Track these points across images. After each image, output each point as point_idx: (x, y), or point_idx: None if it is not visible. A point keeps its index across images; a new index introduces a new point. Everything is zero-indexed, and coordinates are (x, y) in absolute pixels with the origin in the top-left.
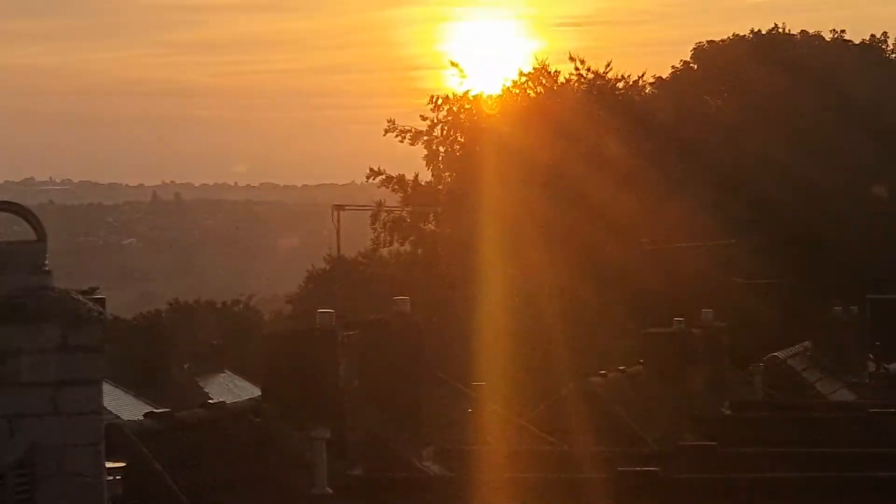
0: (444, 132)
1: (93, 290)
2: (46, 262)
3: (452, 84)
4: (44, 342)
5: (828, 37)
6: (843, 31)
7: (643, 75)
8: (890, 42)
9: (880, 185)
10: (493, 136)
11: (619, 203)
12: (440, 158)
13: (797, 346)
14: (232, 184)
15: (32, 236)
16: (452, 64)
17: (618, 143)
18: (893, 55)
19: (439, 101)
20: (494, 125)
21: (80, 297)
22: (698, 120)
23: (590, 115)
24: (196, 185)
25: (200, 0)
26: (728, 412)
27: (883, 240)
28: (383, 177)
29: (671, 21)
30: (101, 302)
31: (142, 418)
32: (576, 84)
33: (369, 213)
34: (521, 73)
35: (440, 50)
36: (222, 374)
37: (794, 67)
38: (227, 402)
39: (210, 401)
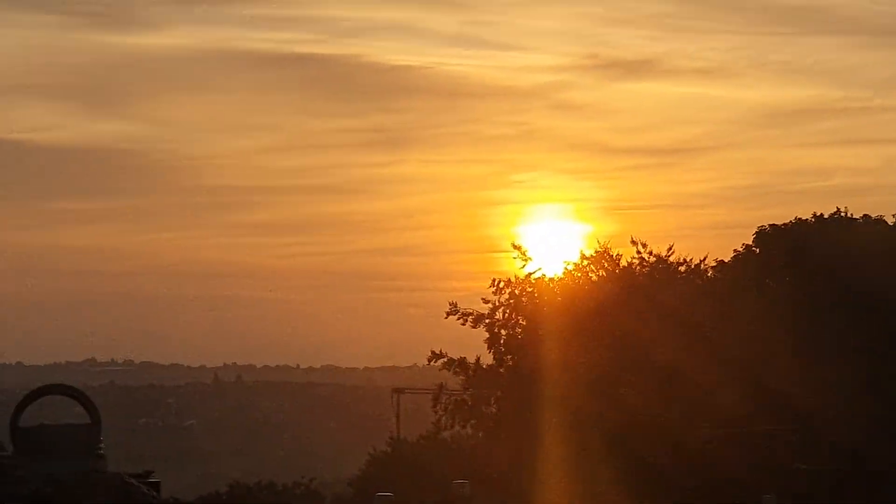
0: (506, 315)
1: (148, 473)
2: (101, 444)
3: (515, 266)
4: None
5: (890, 221)
6: None
7: (705, 258)
8: None
9: None
10: (555, 321)
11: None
12: (502, 342)
13: None
14: (294, 366)
15: (88, 419)
16: (515, 247)
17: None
18: None
19: (501, 285)
20: (556, 309)
21: (133, 481)
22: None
23: (654, 303)
24: (258, 366)
25: (263, 181)
26: None
27: None
28: (445, 359)
29: (733, 205)
30: (156, 485)
31: None
32: (638, 267)
33: (430, 395)
34: (582, 256)
35: (502, 234)
36: None
37: (856, 251)
38: None
39: None
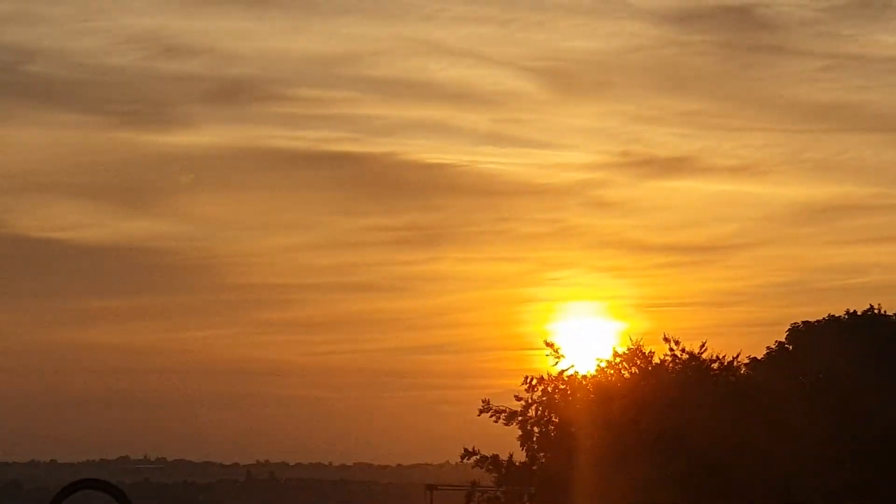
0: (539, 412)
1: None
2: None
3: (548, 364)
4: None
5: None
6: None
7: (738, 356)
8: None
9: None
10: (587, 418)
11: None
12: (535, 439)
13: None
14: (326, 463)
15: None
16: (547, 344)
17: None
18: None
19: (534, 382)
20: (589, 406)
21: None
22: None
23: (686, 400)
24: (290, 463)
25: (296, 279)
26: None
27: None
28: (477, 457)
29: (767, 302)
30: None
31: None
32: (670, 364)
33: (463, 492)
34: (615, 353)
35: (535, 331)
36: None
37: (890, 348)
38: None
39: None
